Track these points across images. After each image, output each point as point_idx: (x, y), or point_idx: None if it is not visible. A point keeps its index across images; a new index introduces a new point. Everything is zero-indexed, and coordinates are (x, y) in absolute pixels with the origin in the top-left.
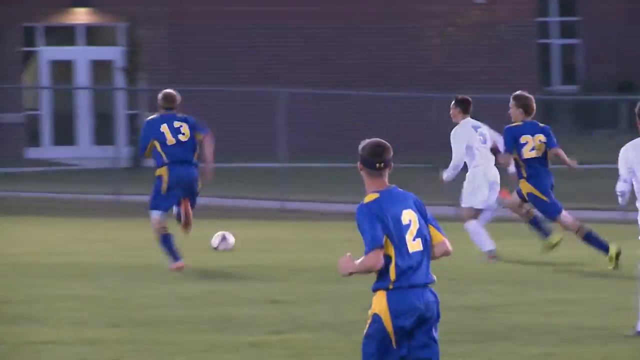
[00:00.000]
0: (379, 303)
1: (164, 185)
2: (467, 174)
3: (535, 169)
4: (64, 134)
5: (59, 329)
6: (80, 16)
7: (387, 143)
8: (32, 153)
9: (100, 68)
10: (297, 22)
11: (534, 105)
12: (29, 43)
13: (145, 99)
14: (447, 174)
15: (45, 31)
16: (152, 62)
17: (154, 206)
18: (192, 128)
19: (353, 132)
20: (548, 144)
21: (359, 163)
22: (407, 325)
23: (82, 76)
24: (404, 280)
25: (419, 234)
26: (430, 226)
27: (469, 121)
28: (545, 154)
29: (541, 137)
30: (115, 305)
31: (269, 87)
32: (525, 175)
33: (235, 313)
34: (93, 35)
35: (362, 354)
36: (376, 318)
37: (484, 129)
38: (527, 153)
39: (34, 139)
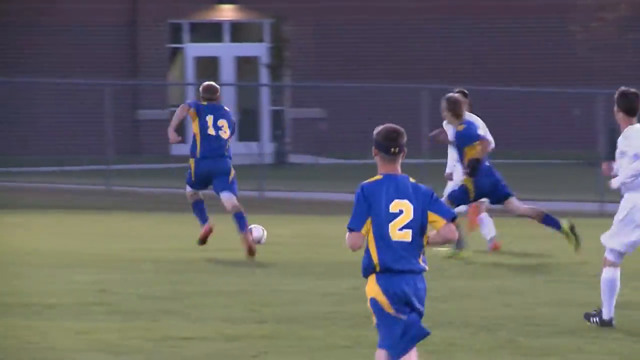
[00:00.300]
0: (372, 287)
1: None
2: None
3: None
4: None
5: (203, 325)
6: (226, 13)
7: (401, 129)
8: (177, 149)
9: (245, 64)
10: (434, 17)
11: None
12: (175, 39)
13: (289, 95)
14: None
15: (191, 28)
16: (296, 58)
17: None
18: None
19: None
20: None
21: (373, 148)
22: (404, 303)
23: (227, 72)
24: (389, 264)
25: (410, 225)
26: (431, 214)
27: None
28: None
29: None
30: (259, 301)
31: (412, 83)
32: None
33: None
34: (238, 31)
35: (383, 334)
36: (374, 302)
37: None
38: None
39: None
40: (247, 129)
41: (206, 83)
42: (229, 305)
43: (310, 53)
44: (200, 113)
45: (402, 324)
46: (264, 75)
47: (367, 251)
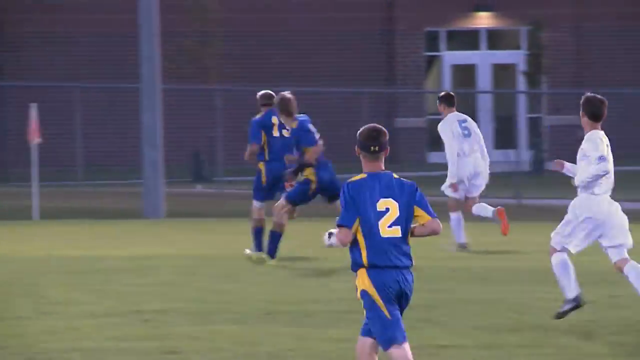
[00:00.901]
0: (363, 280)
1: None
2: None
3: None
4: None
5: (460, 333)
6: (483, 20)
7: (382, 128)
8: (434, 157)
9: (502, 71)
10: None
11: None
12: (432, 48)
13: (546, 102)
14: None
15: (447, 36)
16: (554, 64)
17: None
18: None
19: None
20: None
21: (356, 147)
22: (393, 295)
23: (484, 80)
24: (378, 260)
25: (398, 222)
26: (417, 209)
27: None
28: None
29: None
30: (514, 308)
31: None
32: None
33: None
34: (495, 39)
35: (375, 327)
36: (364, 294)
37: None
38: None
39: (435, 144)
40: (503, 137)
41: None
42: (483, 313)
43: (568, 60)
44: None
45: (392, 316)
46: (521, 83)
47: (357, 248)
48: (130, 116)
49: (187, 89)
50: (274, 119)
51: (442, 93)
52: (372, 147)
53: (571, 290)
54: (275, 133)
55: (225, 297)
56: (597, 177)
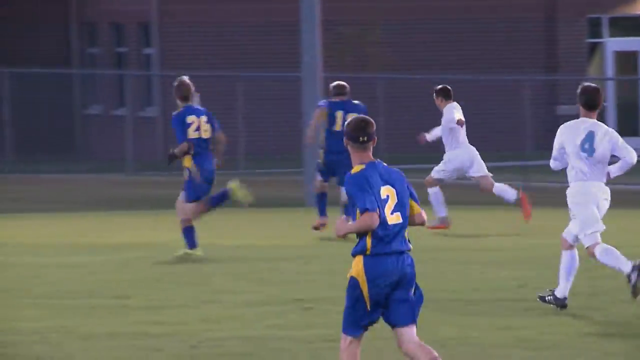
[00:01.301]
0: (356, 267)
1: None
2: None
3: None
4: (629, 126)
5: (621, 321)
6: None
7: (370, 119)
8: None
9: None
10: None
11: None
12: (594, 34)
13: None
14: None
15: (610, 22)
16: None
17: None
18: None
19: None
20: None
21: (345, 139)
22: (382, 292)
23: None
24: (380, 247)
25: (397, 208)
26: (410, 200)
27: None
28: None
29: None
30: None
31: None
32: None
33: None
34: None
35: (347, 310)
36: (353, 281)
37: None
38: None
39: None
40: None
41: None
42: None
43: None
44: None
45: (371, 312)
46: None
47: (364, 234)
48: (290, 105)
49: (348, 77)
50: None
51: (440, 87)
52: (360, 138)
53: (626, 264)
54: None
55: None
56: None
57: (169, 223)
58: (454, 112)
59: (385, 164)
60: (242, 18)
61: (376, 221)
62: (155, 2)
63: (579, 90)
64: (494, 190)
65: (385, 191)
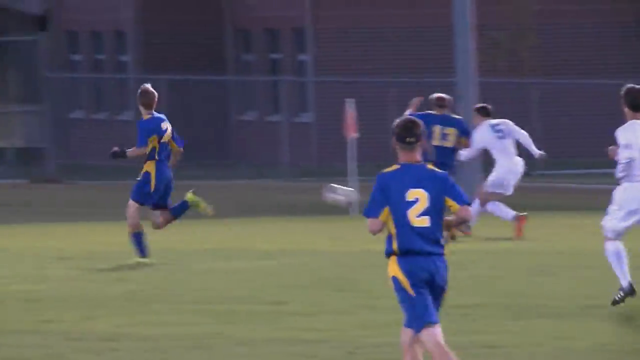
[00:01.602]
0: (392, 266)
1: None
2: None
3: None
4: None
5: None
6: None
7: (418, 120)
8: None
9: None
10: None
11: None
12: None
13: None
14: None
15: None
16: None
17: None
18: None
19: None
20: None
21: (393, 139)
22: (422, 279)
23: None
24: (407, 248)
25: (427, 212)
26: (447, 199)
27: None
28: None
29: None
30: None
31: None
32: None
33: None
34: None
35: (405, 309)
36: (394, 279)
37: None
38: None
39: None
40: None
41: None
42: None
43: None
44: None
45: (422, 300)
46: None
47: (389, 236)
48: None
49: (502, 82)
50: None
51: (478, 105)
52: (407, 139)
53: (624, 278)
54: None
55: (540, 291)
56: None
57: (324, 229)
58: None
59: (430, 167)
60: (395, 23)
61: (373, 228)
62: (310, 7)
63: (623, 92)
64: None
65: (414, 194)
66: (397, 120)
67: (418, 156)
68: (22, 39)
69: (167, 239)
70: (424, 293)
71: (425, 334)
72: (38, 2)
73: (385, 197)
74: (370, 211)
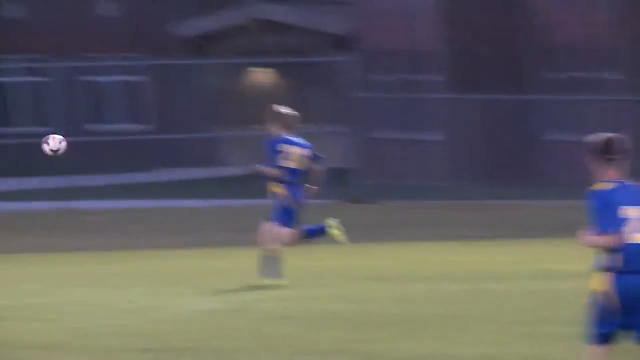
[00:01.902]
0: (602, 282)
1: None
2: None
3: None
4: None
5: None
6: None
7: (622, 136)
8: None
9: None
10: None
11: None
12: None
13: None
14: None
15: None
16: None
17: None
18: None
19: None
20: None
21: (592, 153)
22: (630, 304)
23: None
24: (631, 266)
25: None
26: None
27: None
28: None
29: None
30: None
31: None
32: None
33: None
34: None
35: (595, 327)
36: (600, 293)
37: None
38: None
39: None
40: None
41: None
42: None
43: None
44: None
45: (618, 322)
46: None
47: (606, 252)
48: None
49: None
50: None
51: None
52: (614, 156)
53: None
54: None
55: None
56: None
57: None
58: None
59: (635, 185)
60: None
61: (614, 244)
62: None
63: None
64: None
65: (633, 212)
66: (598, 136)
67: (622, 173)
68: (328, 59)
69: (482, 259)
70: (629, 319)
71: (591, 351)
72: (338, 23)
73: (615, 212)
74: (612, 226)
